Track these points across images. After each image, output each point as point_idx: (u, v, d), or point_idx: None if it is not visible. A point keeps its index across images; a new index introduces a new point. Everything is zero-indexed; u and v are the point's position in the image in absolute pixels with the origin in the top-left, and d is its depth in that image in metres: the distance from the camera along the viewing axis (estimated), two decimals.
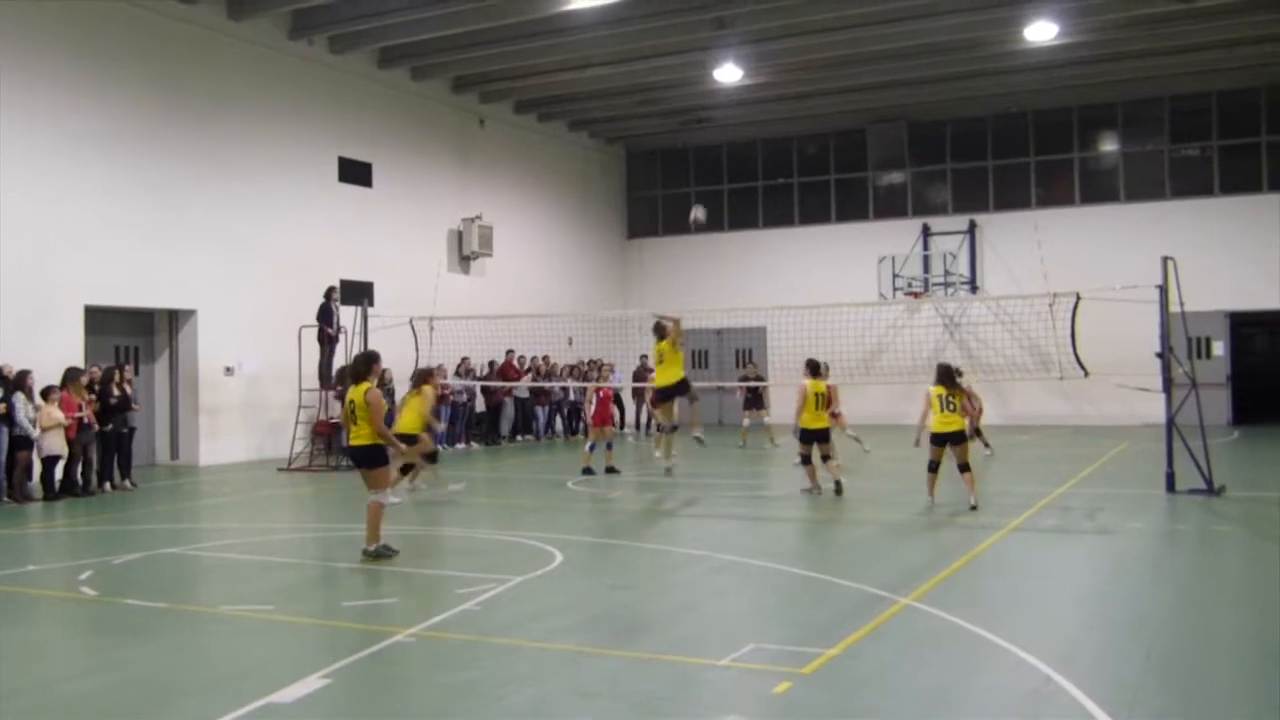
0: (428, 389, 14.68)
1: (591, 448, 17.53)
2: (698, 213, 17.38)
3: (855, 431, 19.50)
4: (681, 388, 15.35)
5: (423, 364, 17.29)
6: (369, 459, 10.31)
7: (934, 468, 13.24)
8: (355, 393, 10.29)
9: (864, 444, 19.29)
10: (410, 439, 13.69)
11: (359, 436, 10.25)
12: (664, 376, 15.33)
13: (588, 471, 17.18)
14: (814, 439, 14.26)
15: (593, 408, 18.08)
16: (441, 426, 21.26)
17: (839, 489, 14.14)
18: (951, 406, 13.06)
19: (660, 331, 15.60)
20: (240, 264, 20.47)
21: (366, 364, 10.59)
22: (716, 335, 30.05)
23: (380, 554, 10.20)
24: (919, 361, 25.99)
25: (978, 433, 19.88)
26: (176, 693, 6.38)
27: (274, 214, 21.27)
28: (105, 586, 9.22)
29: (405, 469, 14.30)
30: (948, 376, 13.27)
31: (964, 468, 13.11)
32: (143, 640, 7.55)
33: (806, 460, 14.40)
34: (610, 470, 17.31)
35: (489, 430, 24.68)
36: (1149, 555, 10.76)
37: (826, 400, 14.60)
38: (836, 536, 12.03)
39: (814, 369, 14.52)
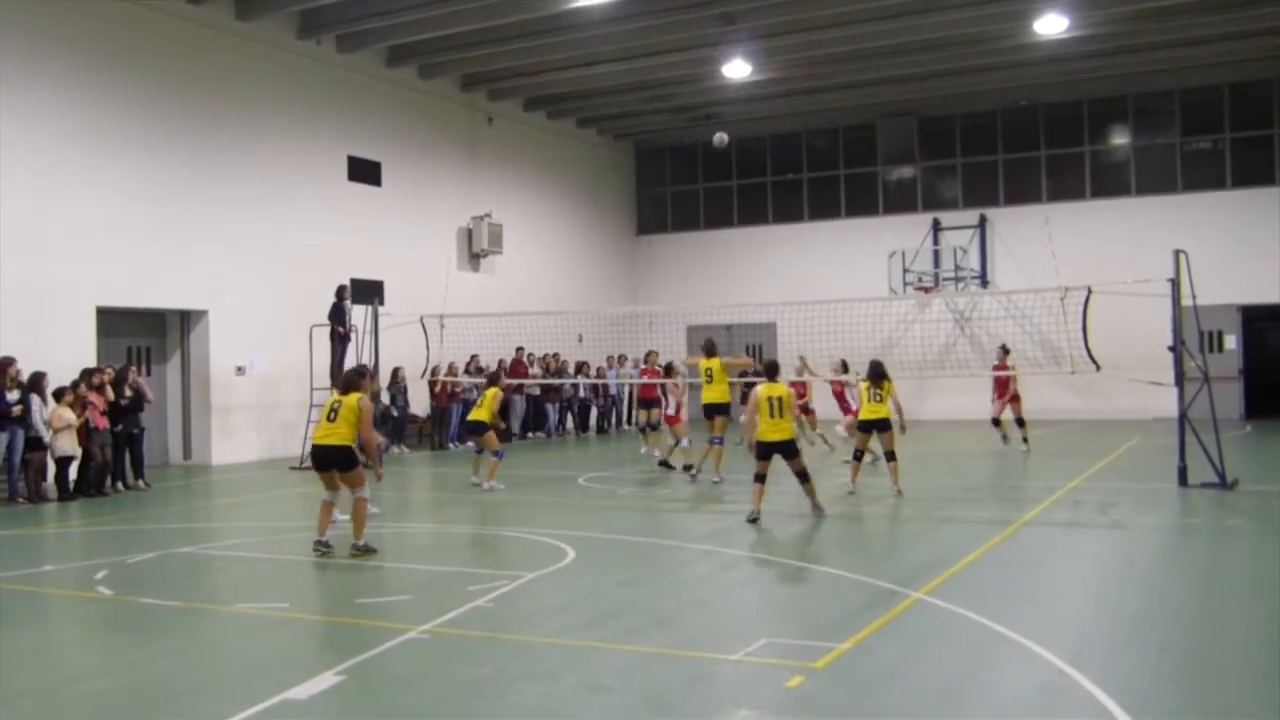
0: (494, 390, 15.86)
1: (680, 442, 17.21)
2: (720, 139, 18.64)
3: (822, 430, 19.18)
4: (725, 408, 15.74)
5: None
6: (343, 461, 10.47)
7: (859, 456, 14.37)
8: (348, 398, 10.49)
9: (828, 442, 18.92)
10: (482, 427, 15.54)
11: (333, 436, 10.39)
12: (713, 394, 15.75)
13: (688, 468, 16.88)
14: (774, 452, 11.93)
15: (671, 408, 18.01)
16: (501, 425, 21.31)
17: (818, 511, 12.20)
18: (878, 398, 14.03)
19: (710, 349, 16.09)
20: (251, 264, 20.53)
21: (359, 376, 10.87)
22: (726, 330, 30.01)
23: (368, 549, 10.33)
24: (930, 356, 25.96)
25: (1020, 423, 19.39)
26: (192, 691, 6.41)
27: (284, 213, 21.32)
28: (120, 586, 9.27)
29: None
30: (875, 373, 14.18)
31: (890, 455, 14.04)
32: (158, 639, 7.58)
33: (760, 479, 11.96)
34: (666, 465, 17.24)
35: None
36: (1161, 549, 10.74)
37: (783, 407, 11.91)
38: (847, 531, 12.02)
39: (770, 371, 12.37)
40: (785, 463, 12.05)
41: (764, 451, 11.89)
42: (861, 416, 14.26)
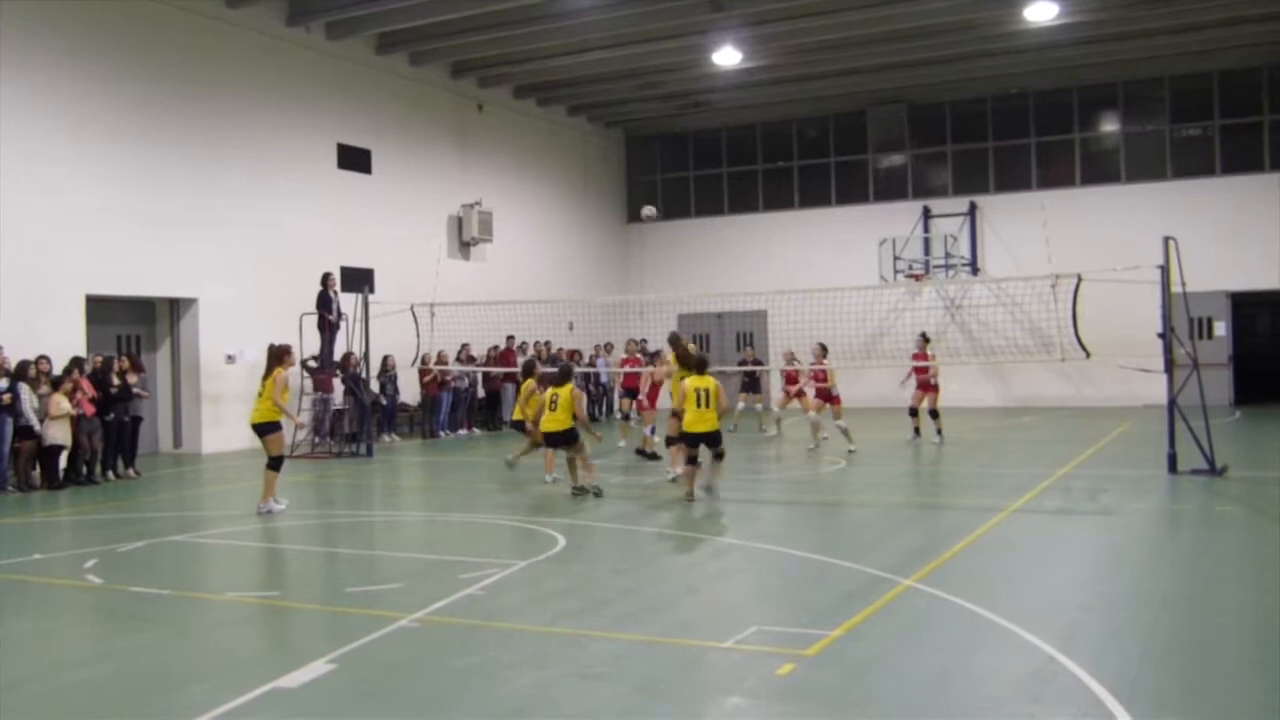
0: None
1: (653, 430, 17.24)
2: (648, 211, 19.56)
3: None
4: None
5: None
6: (568, 440, 13.10)
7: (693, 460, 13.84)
8: (563, 390, 13.00)
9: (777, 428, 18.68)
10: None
11: (555, 423, 12.98)
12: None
13: (654, 456, 16.87)
14: (701, 442, 12.32)
15: (645, 391, 17.89)
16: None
17: (711, 489, 12.44)
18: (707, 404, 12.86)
19: (678, 344, 15.12)
20: (240, 252, 20.45)
21: (570, 369, 13.99)
22: (717, 319, 30.07)
23: (598, 491, 12.84)
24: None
25: (934, 415, 18.79)
26: (182, 679, 6.40)
27: (274, 201, 21.24)
28: (111, 574, 9.25)
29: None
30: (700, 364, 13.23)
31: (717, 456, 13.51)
32: (148, 627, 7.57)
33: (693, 461, 12.53)
34: (644, 454, 17.11)
35: (490, 416, 24.68)
36: (1151, 536, 10.78)
37: (710, 398, 12.29)
38: (838, 519, 12.04)
39: (700, 365, 12.72)
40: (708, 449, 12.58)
41: (692, 441, 12.46)
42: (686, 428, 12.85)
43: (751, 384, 22.23)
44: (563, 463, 13.72)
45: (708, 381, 12.35)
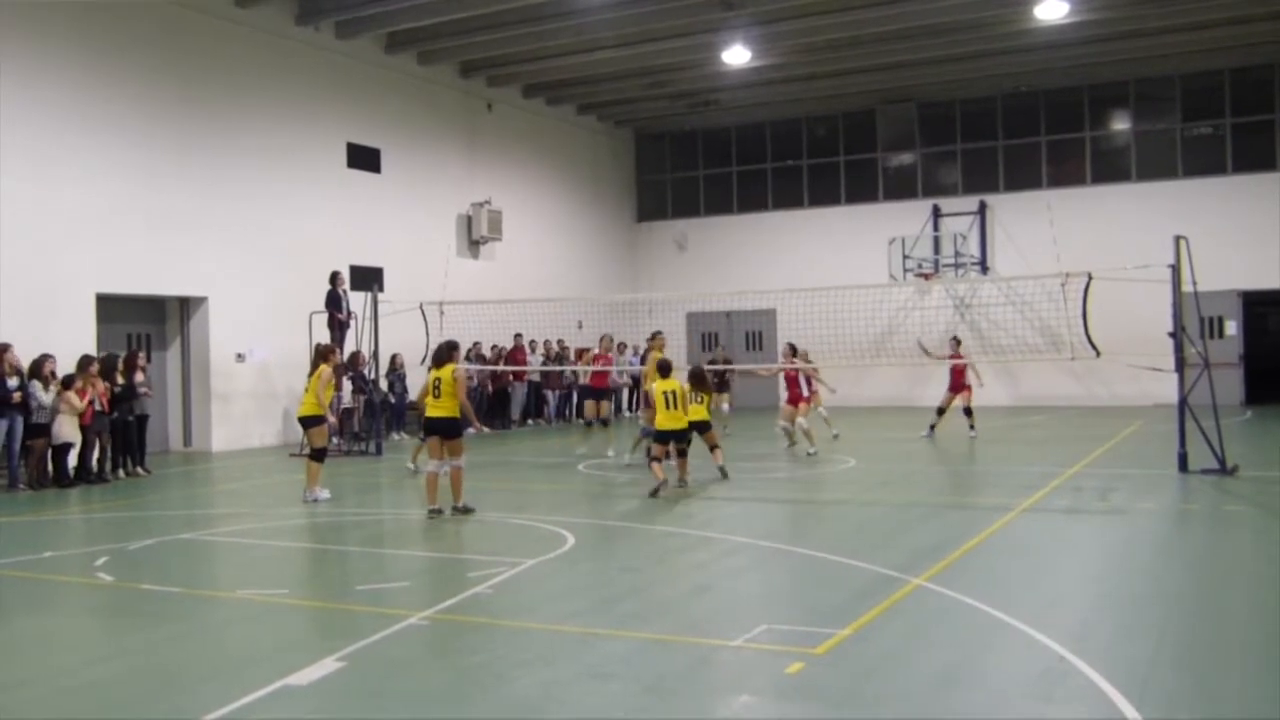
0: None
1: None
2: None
3: (827, 413, 19.48)
4: (703, 426, 14.20)
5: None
6: (450, 430, 11.98)
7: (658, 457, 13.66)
8: (444, 373, 11.87)
9: (832, 427, 19.55)
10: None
11: (440, 409, 11.91)
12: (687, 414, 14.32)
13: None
14: (671, 439, 13.40)
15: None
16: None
17: (683, 482, 13.40)
18: (700, 400, 13.90)
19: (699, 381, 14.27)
20: (250, 251, 20.51)
21: (451, 349, 12.27)
22: (726, 318, 30.05)
23: (467, 509, 11.78)
24: (929, 343, 25.96)
25: (968, 412, 19.90)
26: (193, 677, 6.42)
27: (283, 200, 21.29)
28: (121, 572, 9.28)
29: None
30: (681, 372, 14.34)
31: (681, 454, 13.82)
32: (159, 625, 7.59)
33: (657, 459, 13.32)
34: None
35: (499, 414, 24.70)
36: (1161, 535, 10.75)
37: (679, 399, 13.39)
38: (847, 518, 12.02)
39: (663, 370, 13.68)
40: (692, 441, 13.51)
41: (663, 438, 13.38)
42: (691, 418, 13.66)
43: (721, 384, 22.20)
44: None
45: (674, 384, 13.38)
